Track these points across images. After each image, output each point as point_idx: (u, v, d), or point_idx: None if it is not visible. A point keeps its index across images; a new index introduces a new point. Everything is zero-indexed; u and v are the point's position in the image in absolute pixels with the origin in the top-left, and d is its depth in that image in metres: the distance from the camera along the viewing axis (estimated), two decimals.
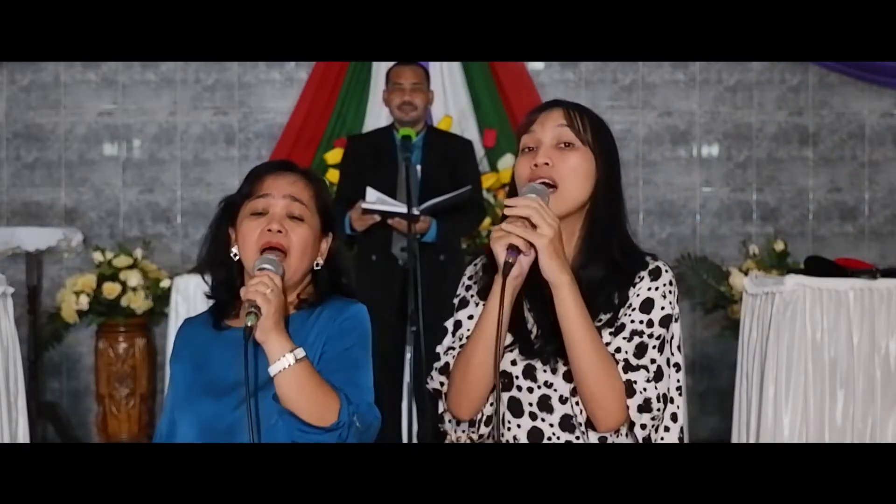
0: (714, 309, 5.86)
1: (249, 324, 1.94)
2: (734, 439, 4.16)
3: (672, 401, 2.03)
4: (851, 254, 5.88)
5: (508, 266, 1.87)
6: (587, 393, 1.93)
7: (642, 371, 1.95)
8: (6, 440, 3.57)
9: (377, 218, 4.38)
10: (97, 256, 5.74)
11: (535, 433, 2.00)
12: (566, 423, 1.99)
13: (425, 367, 4.18)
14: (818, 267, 4.06)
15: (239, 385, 2.03)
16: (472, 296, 2.09)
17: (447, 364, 2.05)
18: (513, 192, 2.08)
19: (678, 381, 2.04)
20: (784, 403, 3.87)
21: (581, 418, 1.96)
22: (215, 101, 6.19)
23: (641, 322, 1.98)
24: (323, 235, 2.18)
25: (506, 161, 5.97)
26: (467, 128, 6.03)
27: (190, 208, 6.09)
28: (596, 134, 2.04)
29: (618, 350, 1.96)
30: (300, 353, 1.99)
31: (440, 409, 2.09)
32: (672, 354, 2.03)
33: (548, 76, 6.23)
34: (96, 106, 6.18)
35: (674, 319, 2.02)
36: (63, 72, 6.16)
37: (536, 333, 2.01)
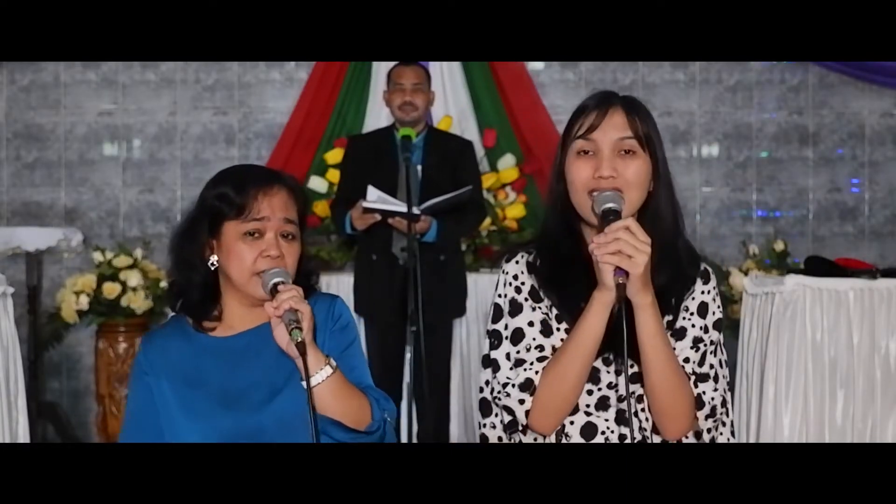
0: None
1: (300, 338, 1.95)
2: (734, 439, 4.16)
3: (727, 402, 2.07)
4: (851, 254, 5.88)
5: (623, 288, 1.85)
6: (662, 407, 1.96)
7: (710, 382, 2.00)
8: (6, 440, 3.57)
9: (378, 217, 4.38)
10: (97, 256, 5.74)
11: (589, 427, 2.00)
12: (621, 418, 2.00)
13: (425, 367, 4.19)
14: (818, 267, 4.05)
15: (250, 390, 2.06)
16: (524, 299, 2.03)
17: (529, 381, 1.98)
18: (559, 191, 2.03)
19: (726, 377, 2.08)
20: (784, 403, 3.86)
21: (645, 424, 1.99)
22: (215, 101, 6.19)
23: (701, 328, 2.01)
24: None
25: (506, 161, 5.97)
26: (467, 128, 6.03)
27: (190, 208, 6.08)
28: (651, 136, 2.02)
29: (686, 360, 1.99)
30: (333, 362, 2.03)
31: (498, 419, 2.04)
32: (722, 353, 2.07)
33: (548, 76, 6.23)
34: (96, 106, 6.18)
35: (722, 322, 2.06)
36: (63, 72, 6.16)
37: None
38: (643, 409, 1.99)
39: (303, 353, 1.95)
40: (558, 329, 2.01)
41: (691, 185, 6.25)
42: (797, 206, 6.28)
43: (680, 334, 2.01)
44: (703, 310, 2.02)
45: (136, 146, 6.20)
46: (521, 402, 1.98)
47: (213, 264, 2.13)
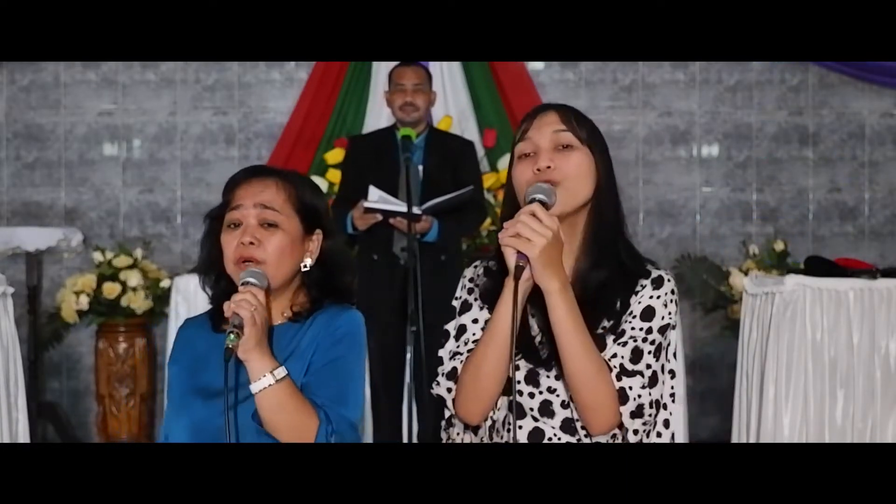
0: (714, 309, 5.86)
1: (230, 345, 1.93)
2: (734, 439, 4.16)
3: (665, 407, 2.04)
4: (851, 254, 5.88)
5: (520, 269, 1.86)
6: (580, 398, 1.94)
7: (637, 377, 1.96)
8: (6, 440, 3.57)
9: (379, 217, 4.38)
10: (97, 256, 5.74)
11: (536, 433, 1.99)
12: (567, 426, 1.99)
13: (426, 367, 4.19)
14: (818, 267, 4.06)
15: (237, 388, 2.04)
16: (474, 299, 2.07)
17: (454, 369, 2.02)
18: (510, 198, 2.06)
19: (672, 388, 2.05)
20: (784, 403, 3.87)
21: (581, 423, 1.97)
22: (215, 101, 6.19)
23: (641, 329, 1.99)
24: (307, 235, 2.13)
25: (506, 161, 5.96)
26: (467, 128, 6.03)
27: (190, 208, 6.09)
28: (591, 134, 2.05)
29: (614, 356, 1.97)
30: (280, 372, 1.98)
31: (446, 415, 2.07)
32: (668, 361, 2.04)
33: (548, 76, 6.23)
34: (96, 106, 6.18)
35: (671, 328, 2.03)
36: (63, 72, 6.16)
37: (540, 339, 2.01)
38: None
39: (227, 360, 1.93)
40: None
41: (691, 185, 6.25)
42: (797, 206, 6.28)
43: (618, 336, 1.99)
44: (647, 314, 1.99)
45: (136, 146, 6.20)
46: (449, 390, 2.03)
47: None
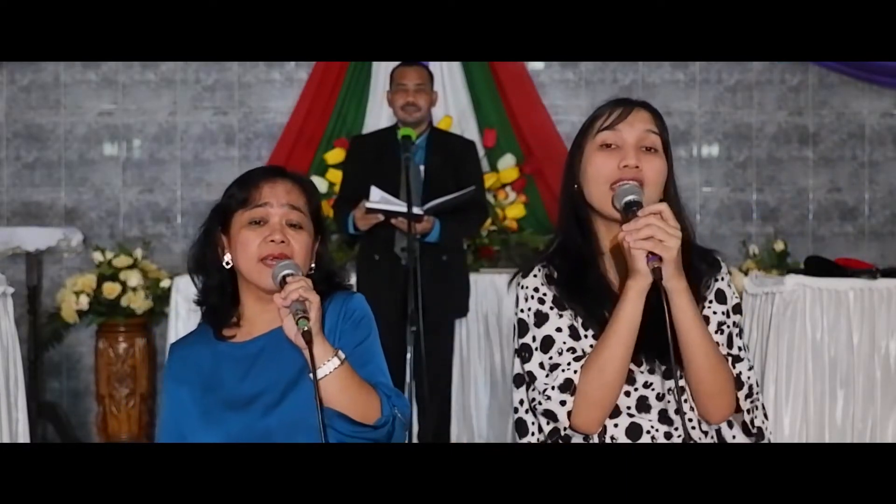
0: None
1: (306, 328, 1.94)
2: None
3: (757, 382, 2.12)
4: (851, 254, 5.88)
5: (659, 271, 1.88)
6: (706, 391, 1.98)
7: (744, 362, 2.03)
8: (6, 440, 3.57)
9: (381, 217, 4.37)
10: (97, 256, 5.74)
11: (633, 428, 2.00)
12: (664, 417, 2.01)
13: (426, 367, 4.19)
14: (818, 267, 4.06)
15: (262, 393, 2.07)
16: (549, 308, 2.02)
17: (568, 381, 1.97)
18: (572, 182, 2.05)
19: (751, 360, 2.13)
20: (784, 403, 3.86)
21: (691, 415, 2.01)
22: (215, 101, 6.19)
23: (723, 313, 2.04)
24: (315, 239, 2.18)
25: (506, 161, 5.97)
26: (467, 128, 6.03)
27: (190, 208, 6.09)
28: (668, 143, 2.06)
29: (717, 345, 2.00)
30: (342, 353, 2.03)
31: (552, 427, 1.99)
32: (743, 338, 2.11)
33: (548, 76, 6.23)
34: (96, 106, 6.18)
35: (739, 307, 2.10)
36: (63, 72, 6.16)
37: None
38: (685, 400, 2.00)
39: (308, 343, 1.95)
40: (586, 336, 2.02)
41: (691, 185, 6.25)
42: (797, 206, 6.28)
43: (707, 324, 2.02)
44: (720, 297, 2.05)
45: (136, 146, 6.20)
46: (563, 403, 1.97)
47: (227, 263, 2.15)
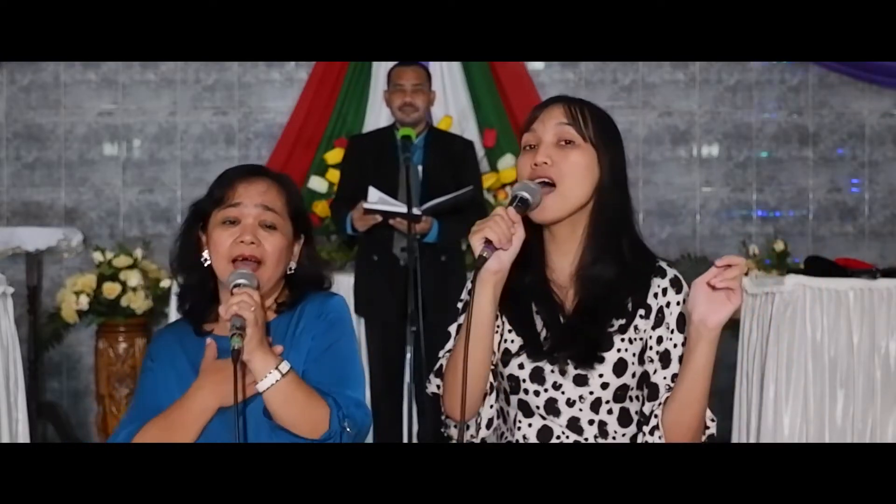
0: None
1: (236, 346, 1.91)
2: (734, 439, 4.16)
3: None
4: (851, 254, 5.88)
5: (483, 260, 1.86)
6: (682, 421, 1.95)
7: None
8: (6, 440, 3.57)
9: (379, 218, 4.37)
10: (97, 256, 5.73)
11: (545, 431, 1.99)
12: (573, 425, 1.99)
13: (426, 367, 4.19)
14: (818, 267, 4.06)
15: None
16: None
17: (441, 366, 2.04)
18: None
19: None
20: (784, 403, 3.87)
21: (592, 432, 1.99)
22: (215, 101, 6.19)
23: (682, 345, 1.98)
24: (295, 240, 2.16)
25: (506, 161, 5.97)
26: (467, 128, 6.03)
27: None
28: (599, 130, 2.01)
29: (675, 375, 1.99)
30: (285, 366, 1.99)
31: (443, 414, 2.06)
32: None
33: (548, 76, 6.23)
34: (96, 106, 6.18)
35: None
36: (63, 72, 6.15)
37: (546, 335, 2.00)
38: (601, 413, 1.99)
39: (235, 360, 1.91)
40: (510, 331, 2.02)
41: (691, 185, 6.25)
42: (797, 206, 6.28)
43: (665, 358, 1.99)
44: (681, 323, 1.99)
45: (136, 146, 6.20)
46: (438, 387, 2.04)
47: (205, 260, 2.14)
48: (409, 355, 4.21)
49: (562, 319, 1.98)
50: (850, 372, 3.87)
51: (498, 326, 2.02)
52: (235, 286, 2.00)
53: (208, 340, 2.11)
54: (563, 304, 2.00)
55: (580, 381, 1.97)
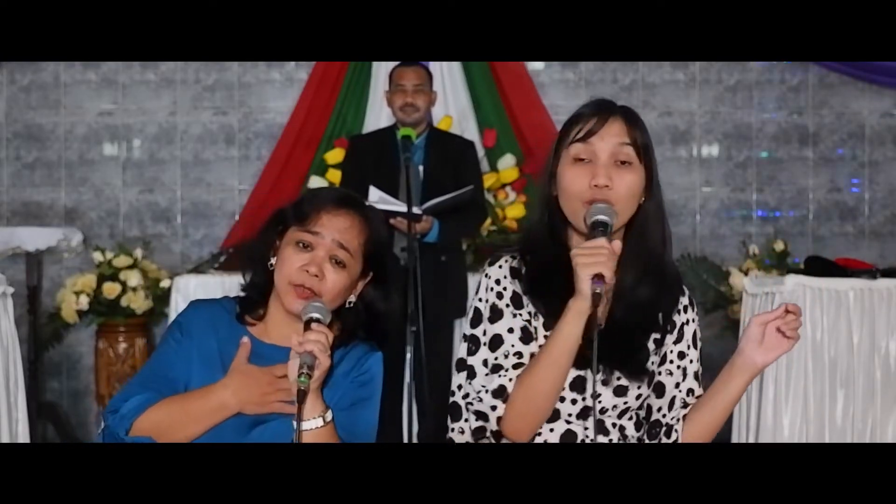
0: (714, 309, 5.85)
1: (303, 387, 1.91)
2: (734, 439, 4.16)
3: None
4: (851, 254, 5.88)
5: (598, 297, 1.84)
6: (699, 437, 2.09)
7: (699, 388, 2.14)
8: (6, 440, 3.57)
9: None
10: (97, 256, 5.74)
11: (568, 435, 2.00)
12: (600, 427, 2.01)
13: (426, 367, 4.18)
14: (818, 267, 4.06)
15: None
16: (505, 305, 2.00)
17: (502, 388, 1.97)
18: (547, 195, 2.03)
19: None
20: (784, 403, 3.86)
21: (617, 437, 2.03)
22: (215, 101, 6.19)
23: (698, 360, 2.10)
24: (361, 277, 2.14)
25: (506, 161, 5.96)
26: (467, 128, 6.03)
27: (190, 208, 6.09)
28: (646, 149, 1.99)
29: (690, 391, 2.11)
30: (329, 416, 2.02)
31: (480, 425, 2.01)
32: None
33: (548, 76, 6.23)
34: (96, 106, 6.18)
35: None
36: (63, 72, 6.15)
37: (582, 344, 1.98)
38: (623, 419, 2.03)
39: (300, 401, 1.91)
40: (535, 339, 2.00)
41: (691, 185, 6.25)
42: (797, 206, 6.28)
43: (685, 373, 2.08)
44: (695, 340, 2.11)
45: (136, 146, 6.20)
46: (494, 408, 1.97)
47: (271, 265, 2.14)
48: (409, 355, 4.21)
49: (605, 329, 1.98)
50: (850, 372, 3.87)
51: (537, 336, 2.01)
52: (312, 320, 1.99)
53: (244, 339, 2.11)
54: (596, 316, 1.96)
55: (620, 391, 2.00)
